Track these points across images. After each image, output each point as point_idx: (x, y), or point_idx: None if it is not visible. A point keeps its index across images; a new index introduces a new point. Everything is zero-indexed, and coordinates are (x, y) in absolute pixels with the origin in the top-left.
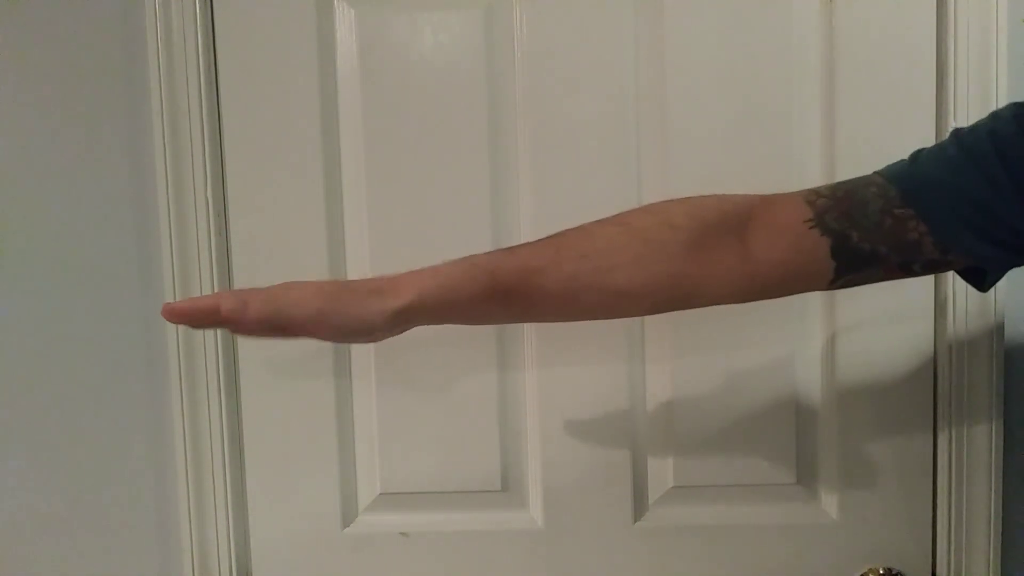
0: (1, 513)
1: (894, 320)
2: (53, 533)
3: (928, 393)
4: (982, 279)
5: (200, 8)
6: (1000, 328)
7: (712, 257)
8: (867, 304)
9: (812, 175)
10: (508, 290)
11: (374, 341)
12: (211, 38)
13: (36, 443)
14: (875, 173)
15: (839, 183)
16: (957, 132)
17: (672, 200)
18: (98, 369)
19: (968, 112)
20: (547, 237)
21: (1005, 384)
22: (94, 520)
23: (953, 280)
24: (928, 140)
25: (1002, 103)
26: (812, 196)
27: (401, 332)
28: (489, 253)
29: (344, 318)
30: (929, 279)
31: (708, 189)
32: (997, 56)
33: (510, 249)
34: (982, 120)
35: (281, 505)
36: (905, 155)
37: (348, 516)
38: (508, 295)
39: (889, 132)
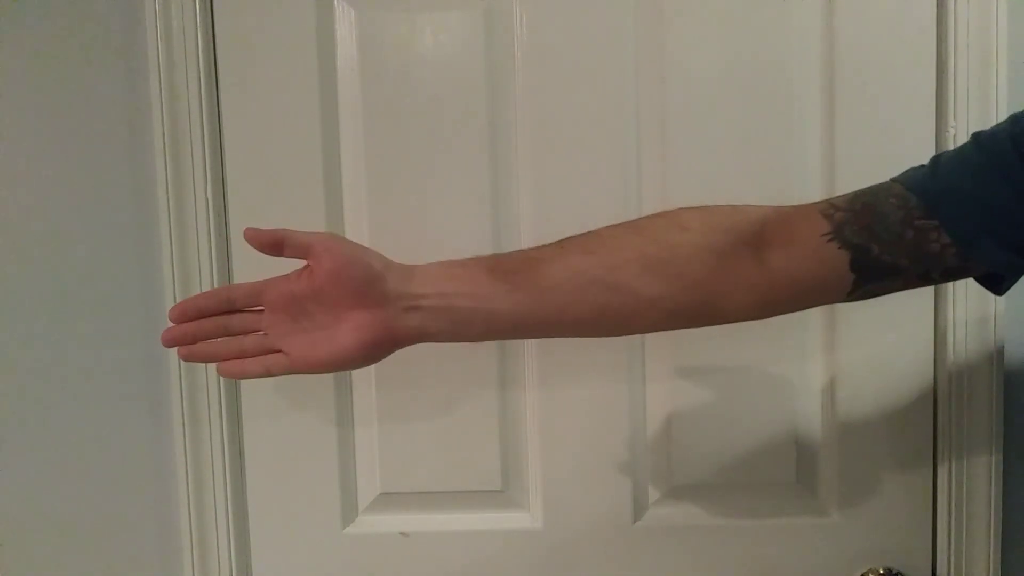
0: (3, 513)
1: (895, 326)
2: (53, 533)
3: (928, 394)
4: (999, 284)
5: (200, 8)
6: (1001, 325)
7: (726, 264)
8: (869, 310)
9: (812, 174)
10: (510, 272)
11: (376, 329)
12: (211, 38)
13: (36, 443)
14: (892, 181)
15: (856, 194)
16: (977, 136)
17: (683, 207)
18: (98, 368)
19: (968, 112)
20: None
21: (1005, 384)
22: (94, 520)
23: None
24: (928, 140)
25: (1002, 103)
26: (829, 209)
27: (406, 332)
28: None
29: (353, 264)
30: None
31: (708, 189)
32: (997, 56)
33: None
34: (1002, 123)
35: (281, 505)
36: (906, 156)
37: (348, 516)
38: (511, 277)
39: (889, 132)
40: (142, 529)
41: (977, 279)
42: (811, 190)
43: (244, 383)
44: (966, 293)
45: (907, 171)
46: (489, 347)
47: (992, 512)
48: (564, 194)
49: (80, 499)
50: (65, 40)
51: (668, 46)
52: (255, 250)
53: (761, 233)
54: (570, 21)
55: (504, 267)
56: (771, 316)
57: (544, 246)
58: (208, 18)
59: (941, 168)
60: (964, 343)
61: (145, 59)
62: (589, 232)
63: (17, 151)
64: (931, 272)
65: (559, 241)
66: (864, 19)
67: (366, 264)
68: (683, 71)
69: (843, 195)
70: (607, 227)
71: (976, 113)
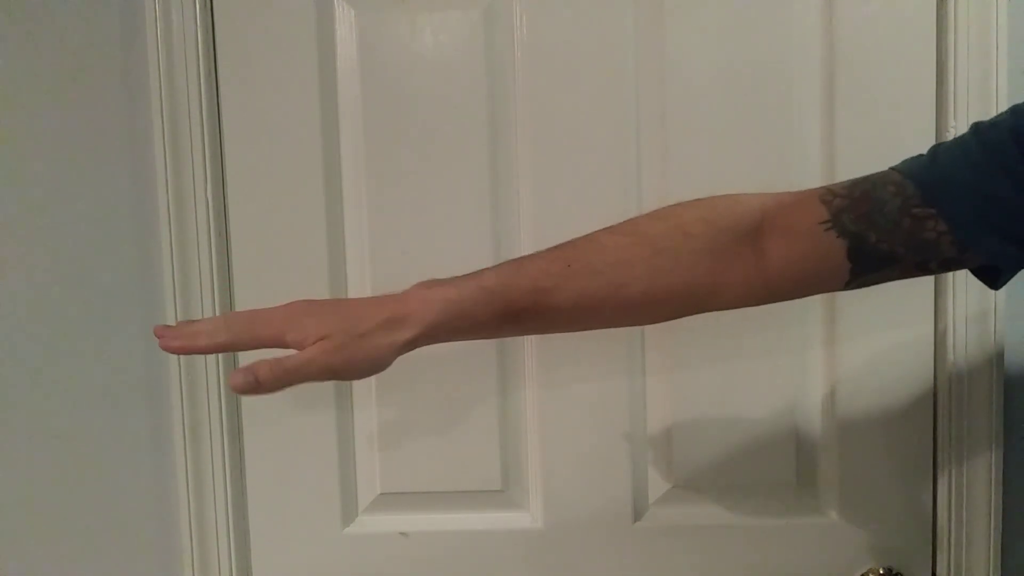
0: (2, 513)
1: (896, 325)
2: (53, 533)
3: (928, 393)
4: (996, 277)
5: (200, 8)
6: (1002, 323)
7: (727, 265)
8: (869, 308)
9: (812, 174)
10: (520, 312)
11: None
12: (211, 38)
13: (36, 443)
14: (891, 169)
15: (854, 181)
16: (977, 127)
17: (684, 204)
18: (98, 368)
19: (968, 112)
20: (556, 249)
21: (1005, 384)
22: (94, 520)
23: (953, 276)
24: (928, 140)
25: (1002, 103)
26: (828, 196)
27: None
28: (497, 270)
29: (357, 369)
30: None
31: (708, 189)
32: (997, 56)
33: (518, 264)
34: (1002, 115)
35: (281, 505)
36: (905, 155)
37: (348, 516)
38: (520, 316)
39: (889, 132)
40: (142, 529)
41: (974, 272)
42: None
43: None
44: (966, 290)
45: (906, 160)
46: (488, 348)
47: (992, 512)
48: (564, 194)
49: (80, 499)
50: (65, 40)
51: (668, 46)
52: (255, 251)
53: (760, 223)
54: (570, 21)
55: (514, 306)
56: (768, 303)
57: (550, 261)
58: (208, 18)
59: (940, 157)
60: (964, 342)
61: (145, 59)
62: (593, 241)
63: (17, 151)
64: (928, 262)
65: (564, 254)
66: (864, 19)
67: (368, 348)
68: (683, 71)
69: (842, 182)
70: (610, 235)
71: (976, 112)
